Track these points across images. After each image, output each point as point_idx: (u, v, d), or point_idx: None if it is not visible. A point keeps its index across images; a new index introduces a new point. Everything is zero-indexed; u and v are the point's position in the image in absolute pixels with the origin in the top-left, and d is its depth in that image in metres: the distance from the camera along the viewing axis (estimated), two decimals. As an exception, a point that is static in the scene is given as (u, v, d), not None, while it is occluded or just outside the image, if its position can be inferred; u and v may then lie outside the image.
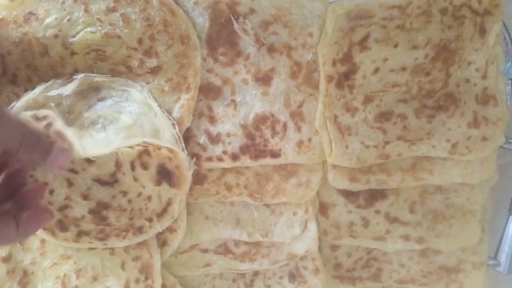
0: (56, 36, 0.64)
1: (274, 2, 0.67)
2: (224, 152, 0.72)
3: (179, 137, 0.68)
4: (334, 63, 0.69)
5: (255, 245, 0.81)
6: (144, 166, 0.68)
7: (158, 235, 0.76)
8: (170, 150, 0.67)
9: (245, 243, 0.81)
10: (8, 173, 0.56)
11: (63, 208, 0.69)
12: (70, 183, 0.67)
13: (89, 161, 0.67)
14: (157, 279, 0.76)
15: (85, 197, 0.68)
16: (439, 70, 0.71)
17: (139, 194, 0.70)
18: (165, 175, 0.69)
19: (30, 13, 0.64)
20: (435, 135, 0.74)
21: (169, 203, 0.70)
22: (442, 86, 0.72)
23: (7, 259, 0.73)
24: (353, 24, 0.68)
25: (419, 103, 0.73)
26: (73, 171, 0.67)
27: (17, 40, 0.64)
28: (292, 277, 0.85)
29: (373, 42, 0.69)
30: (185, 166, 0.69)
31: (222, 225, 0.79)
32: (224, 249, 0.81)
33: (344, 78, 0.70)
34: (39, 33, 0.64)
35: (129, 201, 0.70)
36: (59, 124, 0.61)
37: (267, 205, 0.79)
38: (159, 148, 0.67)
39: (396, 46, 0.69)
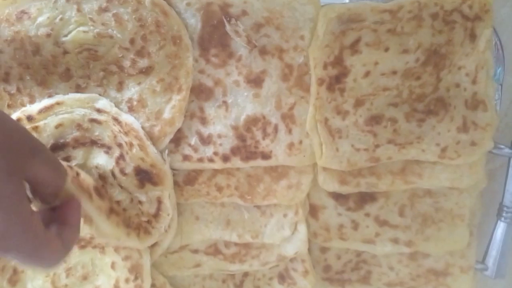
0: (48, 35, 0.64)
1: (266, 5, 0.67)
2: (215, 153, 0.72)
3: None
4: (325, 66, 0.69)
5: (245, 246, 0.81)
6: (123, 172, 0.69)
7: (148, 235, 0.76)
8: (141, 147, 0.68)
9: (235, 244, 0.81)
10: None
11: None
12: None
13: None
14: (146, 279, 0.76)
15: None
16: (430, 75, 0.72)
17: (131, 201, 0.70)
18: (144, 176, 0.69)
19: (23, 11, 0.64)
20: (425, 139, 0.75)
21: (159, 201, 0.71)
22: (432, 90, 0.73)
23: (-4, 257, 0.73)
24: (344, 27, 0.68)
25: (410, 107, 0.74)
26: None
27: (9, 38, 0.64)
28: (282, 278, 0.85)
29: (364, 45, 0.69)
30: (160, 161, 0.69)
31: (213, 226, 0.79)
32: (214, 250, 0.81)
33: (335, 81, 0.71)
34: (31, 32, 0.64)
35: (124, 209, 0.70)
36: None
37: (258, 207, 0.79)
38: (130, 148, 0.67)
39: (387, 50, 0.70)
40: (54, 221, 0.51)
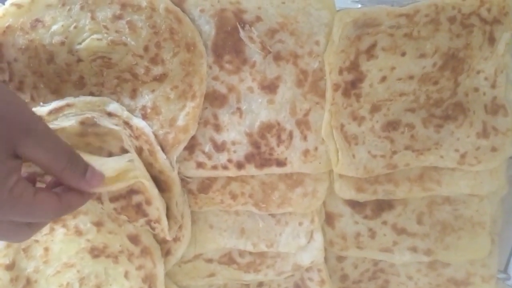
0: (62, 43, 0.64)
1: (280, 10, 0.67)
2: (229, 161, 0.71)
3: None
4: (340, 72, 0.69)
5: (260, 256, 0.80)
6: None
7: (162, 244, 0.75)
8: (151, 153, 0.67)
9: (250, 253, 0.80)
10: None
11: None
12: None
13: None
14: (160, 288, 0.76)
15: None
16: (447, 79, 0.71)
17: None
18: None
19: (37, 20, 0.64)
20: (444, 145, 0.73)
21: (167, 208, 0.70)
22: (450, 95, 0.72)
23: (10, 267, 0.73)
24: (360, 32, 0.67)
25: (427, 112, 0.72)
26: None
27: (23, 47, 0.64)
28: (298, 288, 0.84)
29: (380, 50, 0.68)
30: (168, 168, 0.69)
31: (227, 234, 0.78)
32: (228, 259, 0.80)
33: (351, 87, 0.70)
34: (46, 40, 0.64)
35: None
36: None
37: (273, 215, 0.78)
38: (140, 153, 0.67)
39: (403, 54, 0.69)
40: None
